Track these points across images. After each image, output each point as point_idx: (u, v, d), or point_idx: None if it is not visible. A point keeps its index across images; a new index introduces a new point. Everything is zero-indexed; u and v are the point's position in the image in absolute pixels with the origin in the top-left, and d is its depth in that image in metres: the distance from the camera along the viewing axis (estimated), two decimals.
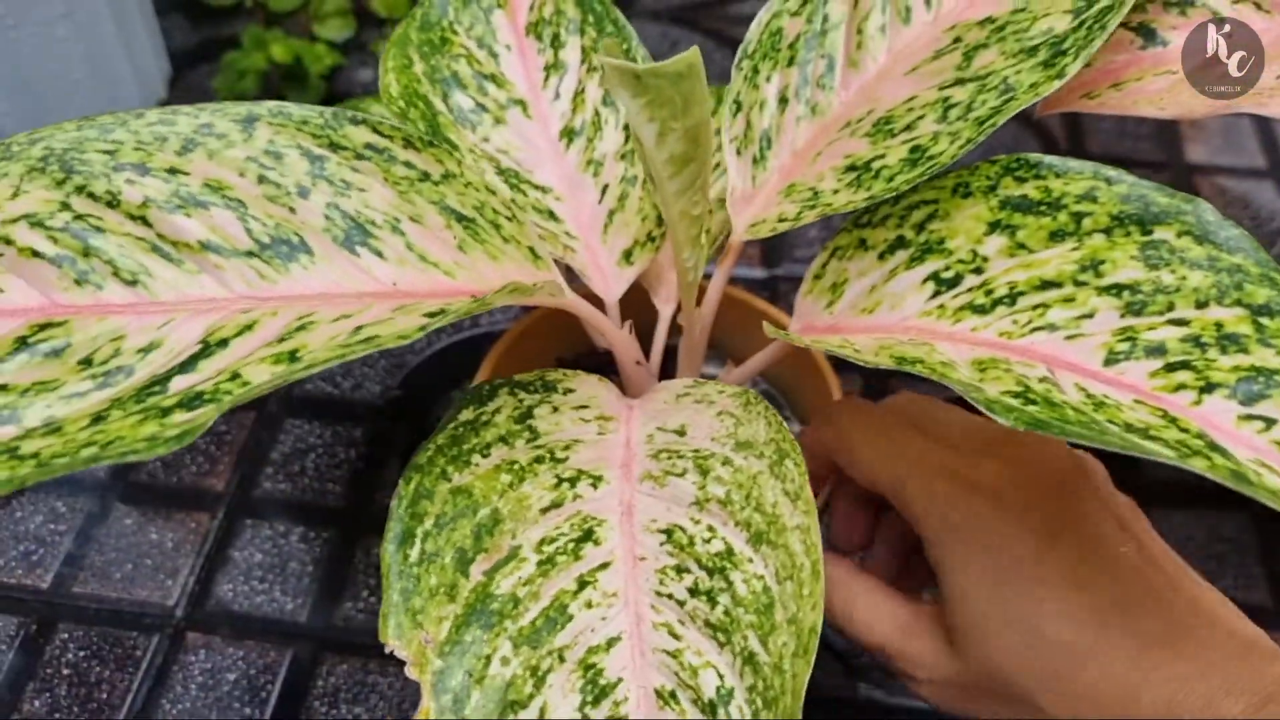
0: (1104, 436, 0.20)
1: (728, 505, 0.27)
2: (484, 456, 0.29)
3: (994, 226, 0.28)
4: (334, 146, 0.30)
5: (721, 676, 0.24)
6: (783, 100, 0.32)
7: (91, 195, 0.27)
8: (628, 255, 0.36)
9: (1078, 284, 0.26)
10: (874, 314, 0.30)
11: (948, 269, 0.28)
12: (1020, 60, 0.27)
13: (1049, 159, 0.27)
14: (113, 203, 0.27)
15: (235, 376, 0.24)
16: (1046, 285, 0.26)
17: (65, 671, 0.42)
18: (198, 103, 0.29)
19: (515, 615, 0.25)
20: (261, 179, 0.29)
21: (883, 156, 0.28)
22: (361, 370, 0.54)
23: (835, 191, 0.29)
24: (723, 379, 0.37)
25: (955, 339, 0.27)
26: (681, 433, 0.31)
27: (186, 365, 0.25)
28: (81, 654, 0.43)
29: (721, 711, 0.24)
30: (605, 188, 0.36)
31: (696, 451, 0.30)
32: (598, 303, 0.36)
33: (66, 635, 0.43)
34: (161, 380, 0.24)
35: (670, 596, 0.26)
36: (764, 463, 0.28)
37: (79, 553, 0.45)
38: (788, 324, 0.33)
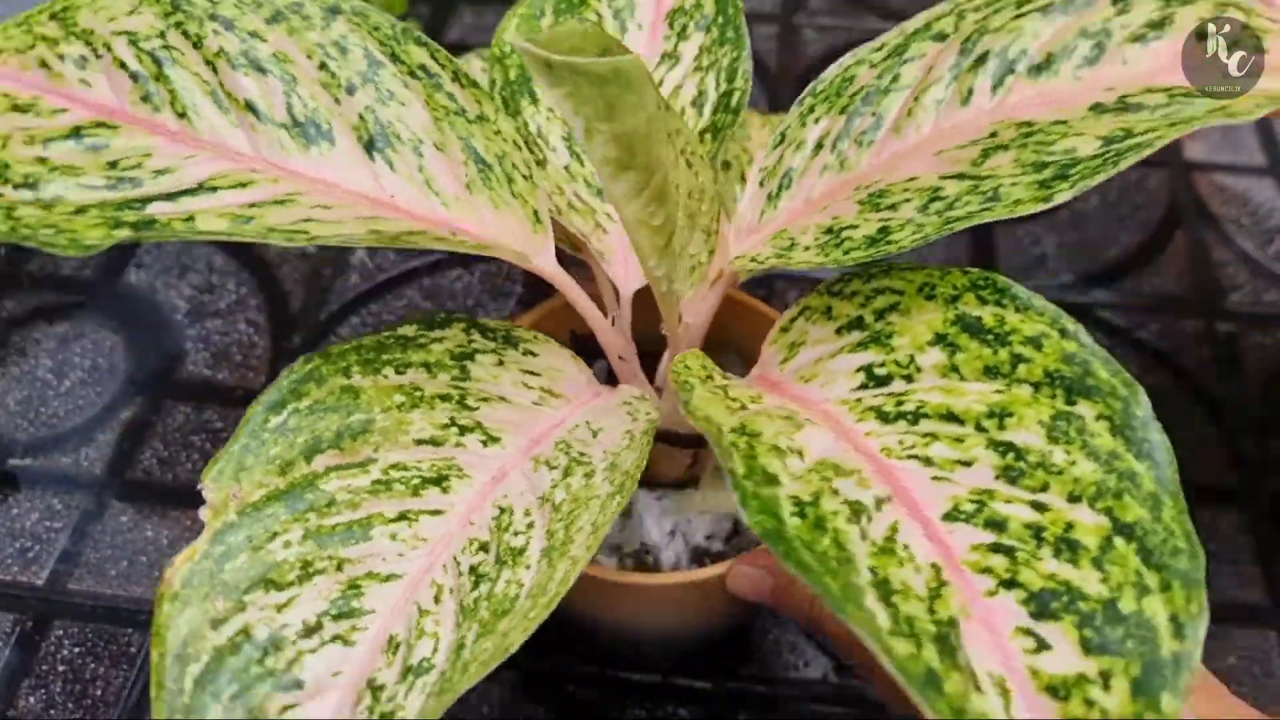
0: (822, 580, 0.18)
1: (557, 512, 0.27)
2: (397, 373, 0.30)
3: (939, 339, 0.25)
4: (394, 58, 0.32)
5: (435, 652, 0.24)
6: (818, 146, 0.30)
7: (185, 33, 0.31)
8: None
9: (978, 429, 0.23)
10: (808, 384, 0.28)
11: (883, 365, 0.26)
12: (1024, 173, 0.24)
13: (1017, 288, 0.24)
14: (197, 44, 0.31)
15: (190, 219, 0.28)
16: (949, 418, 0.24)
17: (60, 668, 0.42)
18: None
19: (323, 513, 0.27)
20: (323, 65, 0.32)
21: (855, 228, 0.26)
22: None
23: (806, 249, 0.28)
24: None
25: (843, 435, 0.25)
26: (595, 433, 0.31)
27: (173, 196, 0.29)
28: (76, 651, 0.42)
29: (410, 679, 0.24)
30: None
31: (582, 455, 0.29)
32: (615, 293, 0.36)
33: (62, 632, 0.43)
34: (147, 200, 0.28)
35: (458, 565, 0.26)
36: (608, 488, 0.27)
37: (75, 550, 0.45)
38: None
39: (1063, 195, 0.23)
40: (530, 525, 0.27)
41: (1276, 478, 0.46)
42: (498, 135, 0.32)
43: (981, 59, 0.28)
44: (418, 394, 0.30)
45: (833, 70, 0.32)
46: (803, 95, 0.32)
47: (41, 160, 0.29)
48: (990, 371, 0.24)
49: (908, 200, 0.26)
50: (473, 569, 0.26)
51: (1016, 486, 0.21)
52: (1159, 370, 0.48)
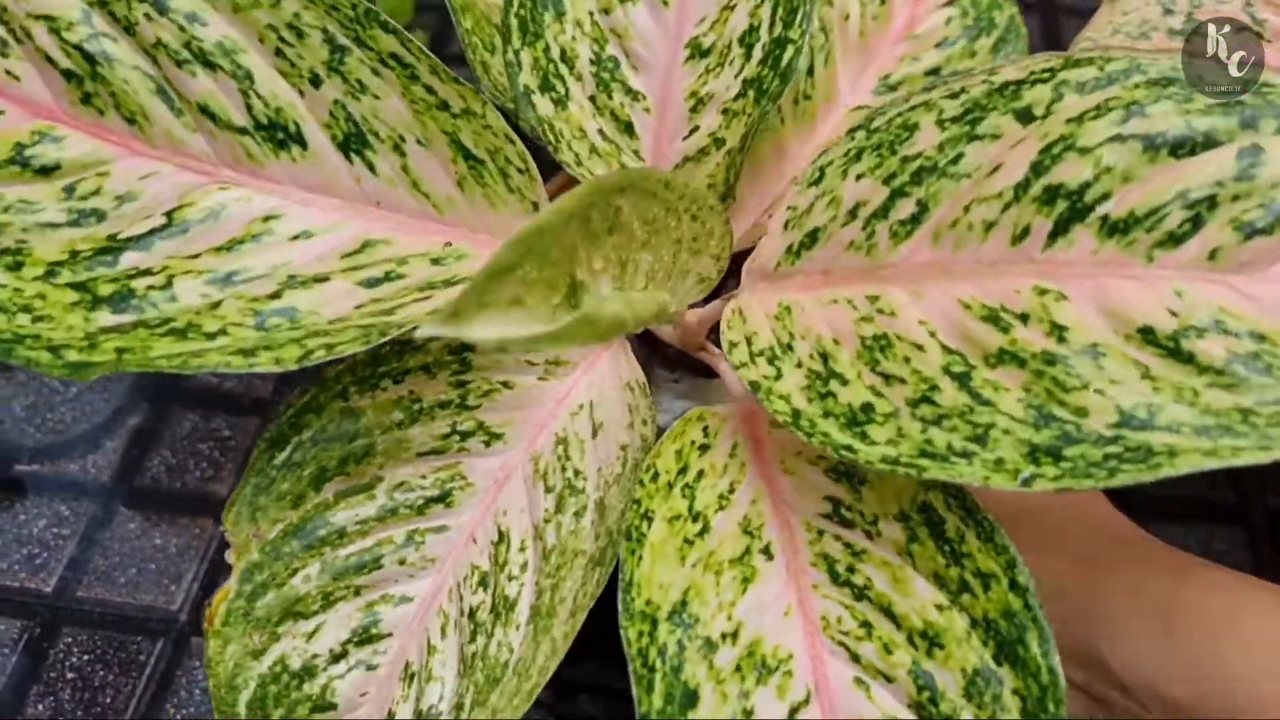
0: None
1: (546, 562, 0.29)
2: (395, 382, 0.31)
3: (903, 518, 0.25)
4: (359, 42, 0.27)
5: (441, 699, 0.29)
6: (852, 214, 0.26)
7: (113, 15, 0.27)
8: None
9: (909, 643, 0.24)
10: (788, 478, 0.28)
11: (850, 509, 0.26)
12: (1020, 424, 0.21)
13: (985, 515, 0.23)
14: (129, 30, 0.27)
15: (168, 285, 0.27)
16: (888, 615, 0.25)
17: (69, 676, 0.41)
18: None
19: (336, 545, 0.30)
20: (279, 52, 0.27)
21: (846, 383, 0.24)
22: None
23: (791, 375, 0.26)
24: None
25: (793, 579, 0.26)
26: (596, 430, 0.32)
27: (143, 240, 0.27)
28: (85, 658, 0.42)
29: None
30: (695, 129, 0.32)
31: (578, 473, 0.31)
32: None
33: (70, 639, 0.42)
34: (117, 249, 0.27)
35: (461, 599, 0.30)
36: (593, 546, 0.29)
37: (83, 557, 0.44)
38: None
39: (1038, 485, 0.21)
40: (524, 566, 0.30)
41: (1273, 494, 0.44)
42: (487, 130, 0.28)
43: (1050, 195, 0.23)
44: (416, 406, 0.31)
45: (896, 109, 0.26)
46: (854, 126, 0.26)
47: None
48: (939, 580, 0.24)
49: (902, 381, 0.24)
50: (472, 612, 0.30)
51: None
52: None
